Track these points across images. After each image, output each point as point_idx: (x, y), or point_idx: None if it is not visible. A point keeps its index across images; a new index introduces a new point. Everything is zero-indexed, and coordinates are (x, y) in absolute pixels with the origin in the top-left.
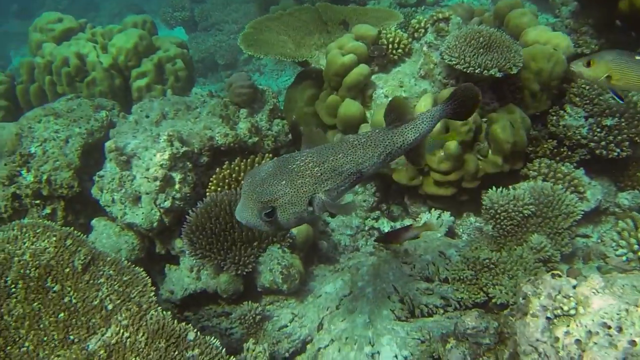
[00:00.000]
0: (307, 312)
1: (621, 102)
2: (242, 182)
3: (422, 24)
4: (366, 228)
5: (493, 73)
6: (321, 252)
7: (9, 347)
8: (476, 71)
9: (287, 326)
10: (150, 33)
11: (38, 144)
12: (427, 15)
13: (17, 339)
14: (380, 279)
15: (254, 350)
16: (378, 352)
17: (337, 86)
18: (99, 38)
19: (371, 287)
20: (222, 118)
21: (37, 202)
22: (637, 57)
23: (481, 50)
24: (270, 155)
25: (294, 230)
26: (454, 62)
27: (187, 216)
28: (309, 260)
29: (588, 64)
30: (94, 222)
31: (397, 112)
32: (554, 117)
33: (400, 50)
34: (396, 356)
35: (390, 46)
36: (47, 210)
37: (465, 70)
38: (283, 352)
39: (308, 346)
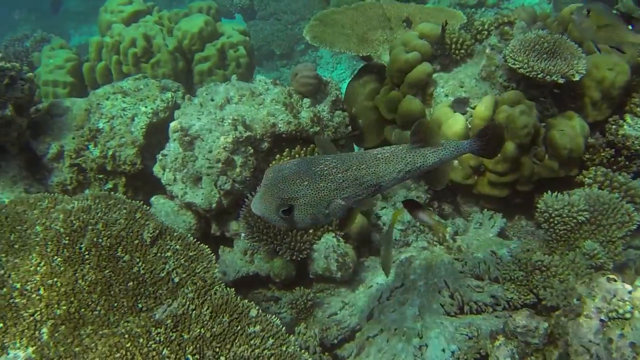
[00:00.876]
0: (357, 302)
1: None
2: (265, 173)
3: (486, 26)
4: (417, 224)
5: (555, 79)
6: (373, 244)
7: (82, 310)
8: (539, 76)
9: (337, 314)
10: (214, 19)
11: (106, 120)
12: (490, 17)
13: (90, 303)
14: (432, 273)
15: (304, 335)
16: (426, 345)
17: (399, 82)
18: (166, 21)
19: (423, 281)
20: (286, 106)
21: (101, 176)
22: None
23: (545, 55)
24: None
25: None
26: (517, 66)
27: (245, 199)
28: (361, 252)
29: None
30: (153, 199)
31: (423, 134)
32: (613, 126)
33: (462, 51)
34: (444, 350)
35: (453, 46)
36: (109, 185)
37: (528, 74)
38: (332, 338)
39: (357, 334)
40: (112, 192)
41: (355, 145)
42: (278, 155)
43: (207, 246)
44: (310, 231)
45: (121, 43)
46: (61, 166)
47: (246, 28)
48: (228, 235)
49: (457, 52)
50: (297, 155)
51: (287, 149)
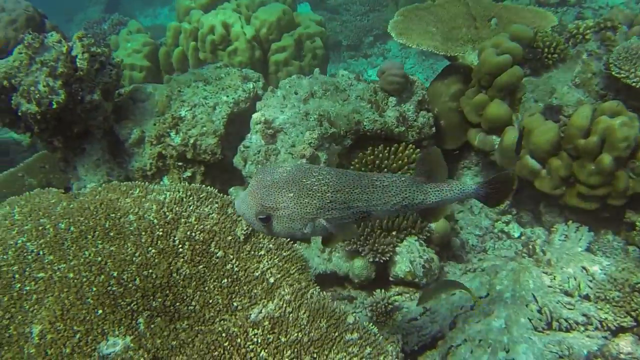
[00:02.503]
0: (439, 308)
1: None
2: (256, 171)
3: (581, 30)
4: (495, 231)
5: None
6: (452, 249)
7: (177, 304)
8: None
9: (417, 319)
10: (291, 8)
11: (188, 108)
12: (589, 21)
13: (185, 298)
14: (519, 285)
15: (386, 339)
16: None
17: (487, 85)
18: (244, 9)
19: (510, 293)
20: (371, 103)
21: (180, 164)
22: None
23: None
24: (413, 146)
25: (432, 224)
26: (622, 75)
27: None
28: (441, 256)
29: None
30: (232, 190)
31: (430, 166)
32: None
33: (555, 55)
34: None
35: (545, 50)
36: (188, 173)
37: (634, 84)
38: (412, 345)
39: (439, 342)
40: (190, 181)
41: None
42: (360, 153)
43: (300, 247)
44: (393, 233)
45: (199, 30)
46: (141, 151)
47: (322, 19)
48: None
49: (549, 56)
50: (380, 155)
51: (370, 148)
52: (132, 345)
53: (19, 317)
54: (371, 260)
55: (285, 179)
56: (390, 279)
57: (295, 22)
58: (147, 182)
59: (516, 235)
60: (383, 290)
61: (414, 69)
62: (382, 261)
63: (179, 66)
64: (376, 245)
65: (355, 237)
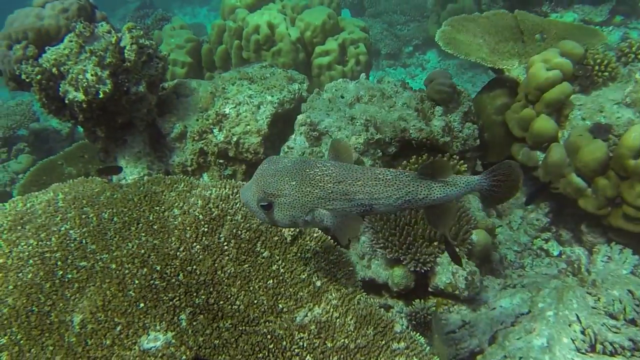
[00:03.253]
0: (479, 323)
1: None
2: (262, 162)
3: (634, 49)
4: (534, 247)
5: None
6: (492, 263)
7: (221, 302)
8: None
9: (455, 332)
10: (336, 13)
11: (233, 106)
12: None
13: (229, 296)
14: (563, 304)
15: None
16: None
17: (535, 100)
18: (289, 11)
19: (553, 311)
20: (418, 112)
21: (221, 161)
22: None
23: None
24: (457, 157)
25: (474, 237)
26: None
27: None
28: (481, 269)
29: None
30: None
31: (433, 167)
32: None
33: (606, 73)
34: None
35: (595, 67)
36: (229, 171)
37: None
38: (450, 357)
39: (478, 357)
40: (230, 179)
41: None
42: (404, 162)
43: (346, 251)
44: (435, 243)
45: (244, 29)
46: (183, 147)
47: (366, 25)
48: None
49: (599, 74)
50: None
51: (415, 156)
52: (173, 341)
53: (61, 304)
54: (412, 269)
55: (290, 168)
56: (430, 289)
57: (339, 27)
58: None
59: (555, 253)
60: (422, 301)
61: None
62: (423, 271)
63: (221, 64)
64: (418, 254)
65: (358, 233)
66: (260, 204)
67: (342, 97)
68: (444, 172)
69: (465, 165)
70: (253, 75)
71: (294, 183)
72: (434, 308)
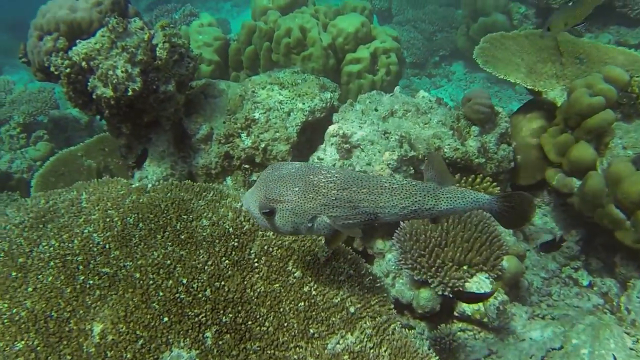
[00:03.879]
0: (506, 353)
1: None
2: (266, 167)
3: None
4: (563, 275)
5: None
6: (519, 290)
7: (250, 322)
8: None
9: None
10: (369, 20)
11: (263, 111)
12: None
13: (258, 317)
14: (599, 343)
15: None
16: None
17: (575, 126)
18: (321, 16)
19: (587, 349)
20: (453, 130)
21: (247, 166)
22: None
23: None
24: (490, 179)
25: (505, 263)
26: None
27: (401, 222)
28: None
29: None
30: None
31: (435, 171)
32: None
33: None
34: None
35: None
36: (254, 177)
37: None
38: None
39: None
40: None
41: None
42: None
43: (389, 286)
44: (464, 267)
45: (275, 31)
46: (208, 149)
47: (398, 35)
48: (370, 252)
49: None
50: (458, 184)
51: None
52: None
53: (81, 311)
54: (440, 293)
55: (293, 174)
56: (456, 314)
57: (371, 35)
58: (213, 182)
59: (585, 283)
60: (448, 326)
61: None
62: (451, 296)
63: (248, 64)
64: (447, 278)
65: (359, 235)
66: (262, 210)
67: (376, 109)
68: (442, 167)
69: (498, 187)
70: (284, 81)
71: (297, 189)
72: (458, 333)
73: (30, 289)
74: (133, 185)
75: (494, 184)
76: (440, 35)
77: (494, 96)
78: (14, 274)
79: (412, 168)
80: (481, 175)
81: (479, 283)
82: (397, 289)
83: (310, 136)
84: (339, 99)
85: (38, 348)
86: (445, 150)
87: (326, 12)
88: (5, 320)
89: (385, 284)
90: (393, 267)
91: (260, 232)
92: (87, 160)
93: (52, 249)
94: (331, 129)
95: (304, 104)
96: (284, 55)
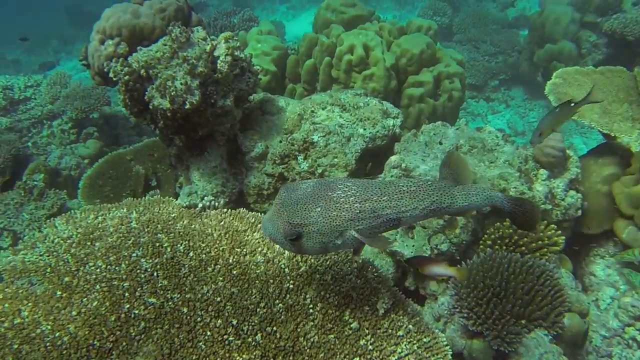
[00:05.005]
0: None
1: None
2: (279, 191)
3: None
4: (626, 337)
5: None
6: (578, 349)
7: None
8: None
9: None
10: (434, 41)
11: (322, 135)
12: None
13: None
14: None
15: None
16: None
17: None
18: (385, 34)
19: None
20: (520, 172)
21: None
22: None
23: None
24: (554, 227)
25: (567, 321)
26: None
27: (459, 265)
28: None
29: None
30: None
31: (453, 169)
32: None
33: None
34: None
35: None
36: None
37: None
38: None
39: None
40: None
41: None
42: (497, 223)
43: (442, 335)
44: (523, 322)
45: (338, 47)
46: (261, 167)
47: (464, 59)
48: (422, 293)
49: None
50: (519, 230)
51: (508, 219)
52: None
53: (124, 343)
54: (495, 347)
55: (310, 194)
56: None
57: (436, 57)
58: (264, 203)
59: None
60: None
61: (534, 123)
62: (506, 352)
63: (307, 78)
64: (504, 332)
65: (387, 246)
66: (289, 238)
67: (440, 143)
68: (461, 165)
69: (563, 237)
70: (346, 103)
71: (319, 209)
72: None
73: (74, 313)
74: (184, 204)
75: (558, 232)
76: (502, 57)
77: None
78: (59, 293)
79: (474, 210)
80: (546, 222)
81: (537, 340)
82: (448, 335)
83: (367, 162)
84: (401, 126)
85: None
86: (511, 192)
87: (390, 30)
88: (48, 344)
89: (436, 329)
90: (446, 312)
91: (317, 276)
92: (136, 165)
93: (98, 270)
94: (392, 159)
95: (365, 129)
96: (344, 72)
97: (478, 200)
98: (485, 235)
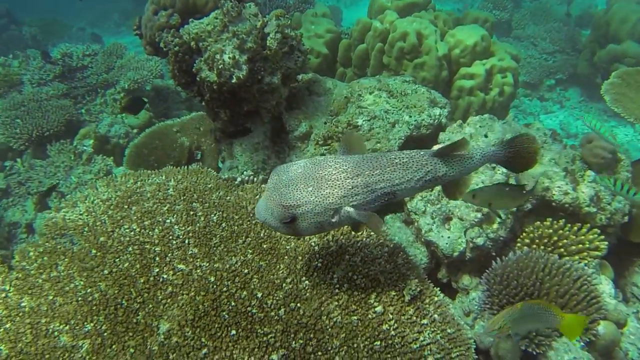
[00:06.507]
0: None
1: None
2: (270, 174)
3: None
4: None
5: None
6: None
7: (319, 353)
8: None
9: None
10: (490, 34)
11: (367, 119)
12: None
13: (329, 348)
14: None
15: None
16: None
17: None
18: (440, 23)
19: None
20: (566, 172)
21: None
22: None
23: None
24: (598, 231)
25: (601, 329)
26: None
27: (493, 262)
28: None
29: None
30: (388, 218)
31: (455, 148)
32: None
33: None
34: None
35: None
36: None
37: None
38: None
39: None
40: None
41: None
42: (537, 222)
43: (468, 327)
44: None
45: (390, 33)
46: (304, 147)
47: (519, 53)
48: (454, 286)
49: None
50: (560, 231)
51: (550, 220)
52: None
53: (150, 305)
54: (523, 348)
55: (301, 175)
56: None
57: (490, 51)
58: None
59: None
60: None
61: (595, 123)
62: (535, 353)
63: (358, 63)
64: (533, 333)
65: (381, 224)
66: (283, 221)
67: (486, 136)
68: (465, 147)
69: (606, 242)
70: (394, 89)
71: (310, 189)
72: None
73: (106, 272)
74: (222, 177)
75: (601, 237)
76: (561, 56)
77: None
78: (93, 251)
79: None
80: (588, 225)
81: (568, 346)
82: (476, 332)
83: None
84: (448, 116)
85: (105, 334)
86: (554, 192)
87: (445, 20)
88: (80, 299)
89: (465, 323)
90: (476, 307)
91: (347, 257)
92: (182, 137)
93: (132, 233)
94: (436, 149)
95: (410, 116)
96: (395, 59)
97: (473, 162)
98: (524, 234)
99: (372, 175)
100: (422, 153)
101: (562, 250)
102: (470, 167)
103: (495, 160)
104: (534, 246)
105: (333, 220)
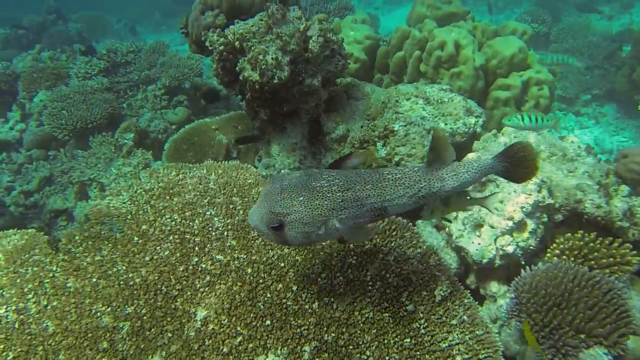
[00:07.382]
0: None
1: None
2: (267, 181)
3: None
4: None
5: None
6: None
7: (351, 347)
8: None
9: None
10: (527, 46)
11: (403, 124)
12: None
13: (360, 343)
14: None
15: None
16: None
17: None
18: (478, 33)
19: None
20: (600, 186)
21: None
22: None
23: None
24: (630, 246)
25: (631, 344)
26: None
27: (523, 270)
28: None
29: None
30: (419, 222)
31: (437, 150)
32: None
33: None
34: None
35: None
36: None
37: None
38: None
39: None
40: None
41: None
42: (568, 234)
43: (496, 332)
44: (582, 336)
45: (429, 41)
46: (340, 150)
47: (556, 68)
48: (482, 293)
49: None
50: (591, 244)
51: (582, 232)
52: None
53: (188, 293)
54: (549, 357)
55: (294, 184)
56: None
57: (527, 63)
58: None
59: None
60: None
61: (627, 143)
62: None
63: (395, 70)
64: (561, 343)
65: (371, 237)
66: (271, 225)
67: None
68: (443, 144)
69: (637, 257)
70: (430, 96)
71: (301, 199)
72: None
73: (147, 258)
74: (261, 174)
75: (634, 252)
76: (598, 72)
77: None
78: (135, 238)
79: (545, 216)
80: (620, 240)
81: (595, 358)
82: (502, 339)
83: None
84: (483, 126)
85: (144, 317)
86: (587, 205)
87: (484, 30)
88: (122, 283)
89: (492, 330)
90: (504, 314)
91: (381, 255)
92: (220, 135)
93: (173, 223)
94: (470, 157)
95: (446, 124)
96: (433, 68)
97: (469, 176)
98: (554, 244)
99: (363, 189)
100: (416, 169)
101: (592, 263)
102: (466, 181)
103: (494, 171)
104: (564, 257)
105: (320, 232)
